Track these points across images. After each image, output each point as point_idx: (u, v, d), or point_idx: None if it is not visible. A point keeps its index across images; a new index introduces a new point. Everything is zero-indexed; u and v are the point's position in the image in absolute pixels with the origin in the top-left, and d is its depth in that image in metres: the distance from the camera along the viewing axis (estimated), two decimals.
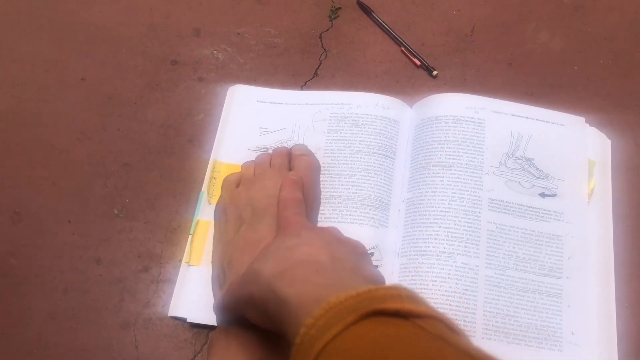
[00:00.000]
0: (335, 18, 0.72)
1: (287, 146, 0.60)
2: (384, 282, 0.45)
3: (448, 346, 0.29)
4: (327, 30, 0.71)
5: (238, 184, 0.56)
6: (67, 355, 0.55)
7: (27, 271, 0.58)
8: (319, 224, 0.57)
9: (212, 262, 0.54)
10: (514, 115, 0.62)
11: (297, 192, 0.50)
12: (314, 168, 0.56)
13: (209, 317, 0.53)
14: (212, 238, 0.57)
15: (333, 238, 0.44)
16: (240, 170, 0.60)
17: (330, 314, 0.31)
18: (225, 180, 0.57)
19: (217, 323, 0.50)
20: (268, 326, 0.40)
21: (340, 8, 0.72)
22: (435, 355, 0.28)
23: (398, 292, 0.32)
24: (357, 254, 0.44)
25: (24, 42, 0.71)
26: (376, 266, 0.56)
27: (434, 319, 0.31)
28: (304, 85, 0.67)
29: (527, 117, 0.62)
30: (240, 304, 0.42)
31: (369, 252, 0.55)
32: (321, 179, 0.60)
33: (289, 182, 0.51)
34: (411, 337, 0.30)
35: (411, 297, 0.32)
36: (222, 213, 0.55)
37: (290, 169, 0.56)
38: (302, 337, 0.31)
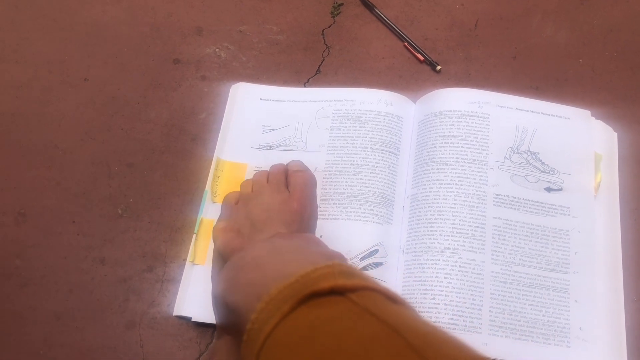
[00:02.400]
0: (338, 14, 0.71)
1: (284, 162, 0.60)
2: (339, 259, 0.43)
3: (373, 319, 0.29)
4: (330, 26, 0.70)
5: (237, 201, 0.56)
6: (73, 355, 0.55)
7: (32, 272, 0.58)
8: (323, 222, 0.57)
9: (211, 278, 0.53)
10: (518, 109, 0.62)
11: (229, 234, 0.50)
12: (309, 184, 0.56)
13: (213, 316, 0.53)
14: None
15: (279, 237, 0.45)
16: (241, 176, 0.61)
17: (270, 305, 0.32)
18: (225, 199, 0.57)
19: (216, 337, 0.50)
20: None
21: (342, 4, 0.72)
22: (358, 330, 0.28)
23: (331, 270, 0.32)
24: (304, 240, 0.44)
25: (27, 43, 0.71)
26: (380, 263, 0.55)
27: (370, 290, 0.32)
28: (307, 82, 0.67)
29: (532, 111, 0.62)
30: (223, 329, 0.43)
31: (373, 249, 0.55)
32: (325, 176, 0.60)
33: (218, 231, 0.51)
34: (338, 315, 0.30)
35: (344, 272, 0.33)
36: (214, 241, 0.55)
37: (287, 185, 0.56)
38: (248, 333, 0.32)
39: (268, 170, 0.58)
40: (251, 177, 0.61)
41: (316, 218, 0.57)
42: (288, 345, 0.29)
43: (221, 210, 0.56)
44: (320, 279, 0.32)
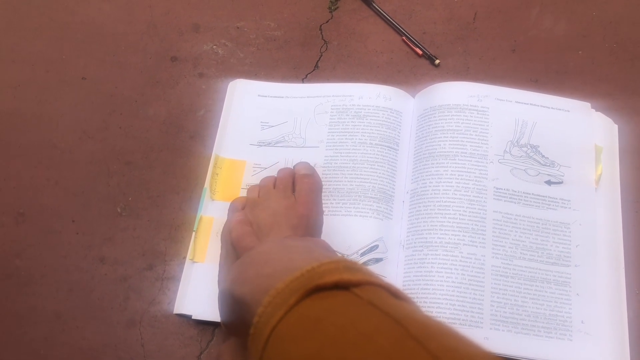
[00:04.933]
0: (335, 9, 0.71)
1: (290, 166, 0.60)
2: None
3: (376, 311, 0.30)
4: (327, 21, 0.70)
5: (244, 206, 0.56)
6: (73, 354, 0.55)
7: (32, 271, 0.58)
8: (324, 218, 0.57)
9: (218, 281, 0.53)
10: (518, 102, 0.61)
11: (245, 228, 0.52)
12: (315, 190, 0.57)
13: (214, 314, 0.53)
14: (213, 234, 0.58)
15: (290, 238, 0.46)
16: (240, 173, 0.61)
17: (277, 299, 0.33)
18: (231, 204, 0.57)
19: (221, 340, 0.50)
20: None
21: None
22: (362, 321, 0.29)
23: (336, 265, 0.34)
24: (314, 242, 0.46)
25: (24, 42, 0.70)
26: (380, 259, 0.55)
27: (373, 285, 0.33)
28: (305, 78, 0.67)
29: (531, 104, 0.61)
30: (229, 327, 0.43)
31: (373, 244, 0.55)
32: (324, 172, 0.60)
33: (234, 223, 0.53)
34: (342, 307, 0.31)
35: (349, 267, 0.34)
36: (228, 234, 0.55)
37: (293, 189, 0.56)
38: (255, 326, 0.33)
39: (274, 175, 0.58)
40: (250, 173, 0.61)
41: (322, 221, 0.57)
42: (293, 337, 0.30)
43: (228, 215, 0.56)
44: (326, 274, 0.33)
